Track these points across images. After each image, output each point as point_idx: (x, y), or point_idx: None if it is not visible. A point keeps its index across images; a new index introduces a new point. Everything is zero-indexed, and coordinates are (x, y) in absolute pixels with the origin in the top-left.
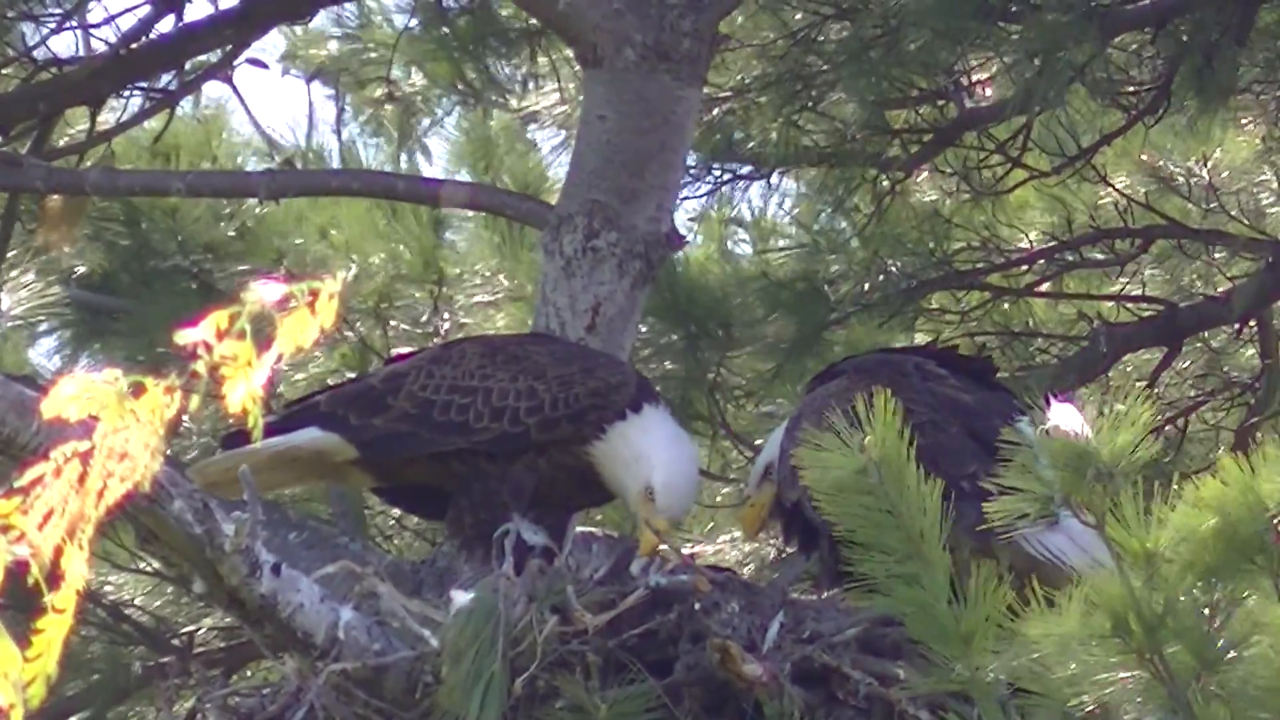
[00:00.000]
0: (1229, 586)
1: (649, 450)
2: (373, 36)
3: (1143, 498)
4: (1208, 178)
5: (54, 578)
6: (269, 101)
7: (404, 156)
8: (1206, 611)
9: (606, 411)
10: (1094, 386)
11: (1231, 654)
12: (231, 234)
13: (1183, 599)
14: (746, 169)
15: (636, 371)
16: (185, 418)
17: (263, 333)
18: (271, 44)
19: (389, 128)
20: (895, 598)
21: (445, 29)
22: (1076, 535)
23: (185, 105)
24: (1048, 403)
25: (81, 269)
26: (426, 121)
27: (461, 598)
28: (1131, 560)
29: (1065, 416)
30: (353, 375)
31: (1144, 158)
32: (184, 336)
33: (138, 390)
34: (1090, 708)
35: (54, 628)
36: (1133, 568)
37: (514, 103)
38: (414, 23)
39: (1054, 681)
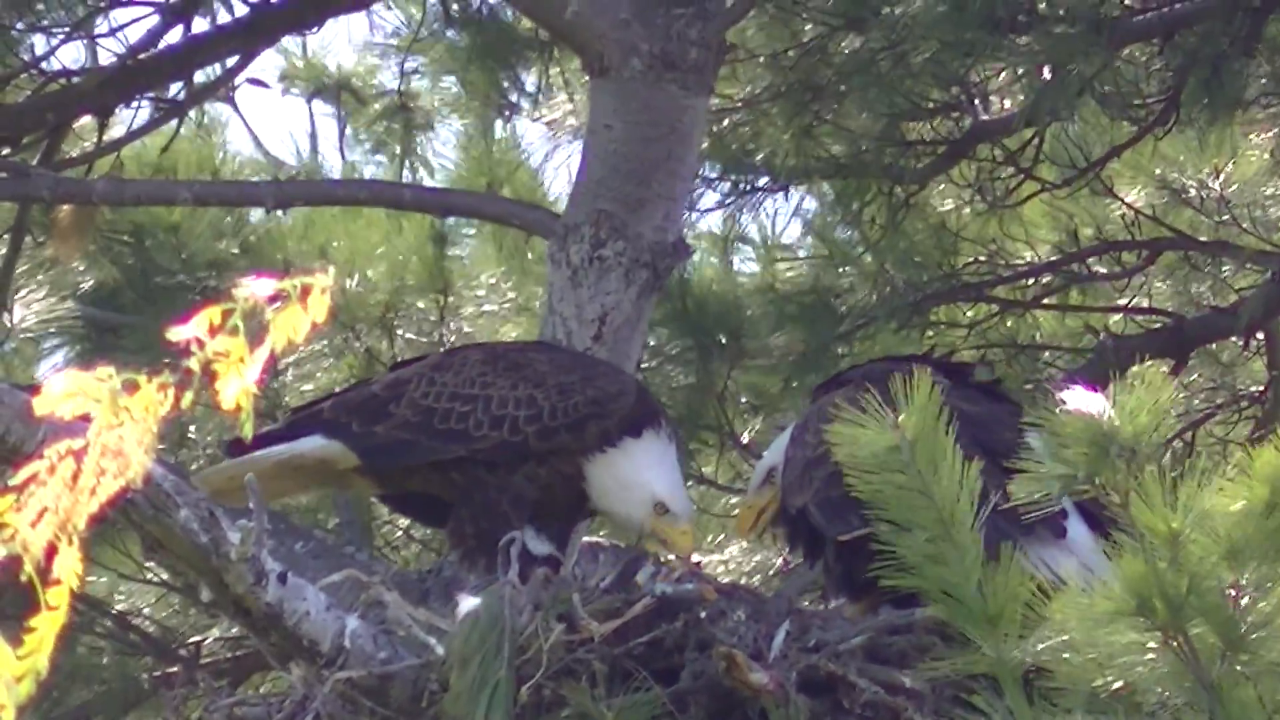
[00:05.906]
0: (1257, 568)
1: (641, 475)
2: (379, 40)
3: (1166, 479)
4: (1220, 190)
5: (47, 575)
6: (269, 122)
7: (407, 171)
8: (1231, 592)
9: (605, 421)
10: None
11: (1257, 635)
12: (235, 250)
13: (1207, 580)
14: (763, 180)
15: (639, 383)
16: (191, 427)
17: (255, 329)
18: (273, 64)
19: (391, 143)
20: (924, 578)
21: (452, 35)
22: (1078, 547)
23: (189, 121)
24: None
25: (89, 284)
26: (431, 132)
27: (468, 603)
28: (1155, 540)
29: (1085, 399)
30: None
31: (1156, 171)
32: (176, 334)
33: (131, 387)
34: (1115, 687)
35: (46, 624)
36: (1156, 548)
37: (521, 111)
38: (423, 31)
39: (1080, 664)
